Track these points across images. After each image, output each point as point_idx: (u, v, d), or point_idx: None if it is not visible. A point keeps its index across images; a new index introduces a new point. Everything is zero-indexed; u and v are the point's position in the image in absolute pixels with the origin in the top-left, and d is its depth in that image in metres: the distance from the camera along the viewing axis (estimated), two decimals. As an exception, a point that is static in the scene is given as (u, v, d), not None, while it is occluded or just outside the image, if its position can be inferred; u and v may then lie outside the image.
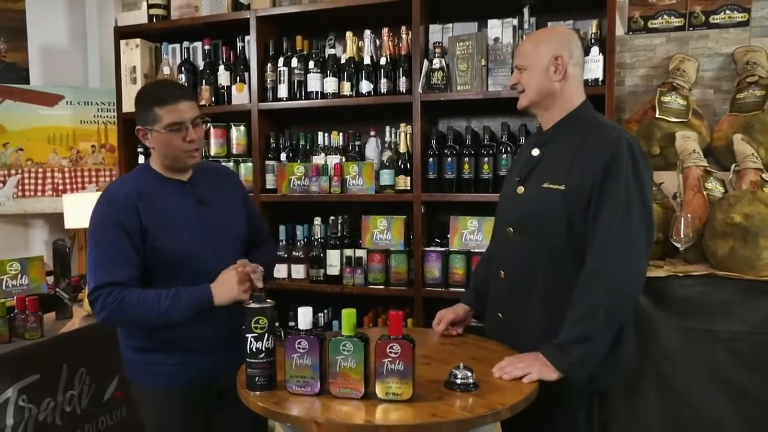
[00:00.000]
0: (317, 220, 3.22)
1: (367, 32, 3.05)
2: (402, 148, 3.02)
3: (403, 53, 3.02)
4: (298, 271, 3.18)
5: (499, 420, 1.50)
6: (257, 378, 1.55)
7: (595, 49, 2.67)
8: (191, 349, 1.91)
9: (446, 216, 3.08)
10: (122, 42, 3.42)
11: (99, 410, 2.50)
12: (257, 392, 1.55)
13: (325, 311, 3.28)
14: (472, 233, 2.96)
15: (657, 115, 2.72)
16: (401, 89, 2.99)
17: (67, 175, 3.93)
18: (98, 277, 1.80)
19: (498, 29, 2.87)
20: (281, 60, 3.19)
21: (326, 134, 3.26)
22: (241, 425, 2.02)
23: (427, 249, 2.98)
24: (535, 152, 1.88)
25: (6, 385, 2.07)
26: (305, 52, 3.21)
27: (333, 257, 3.12)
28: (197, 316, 1.83)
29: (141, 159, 3.46)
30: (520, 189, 1.87)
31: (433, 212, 3.15)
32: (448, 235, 3.03)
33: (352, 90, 3.06)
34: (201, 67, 3.40)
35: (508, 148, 2.84)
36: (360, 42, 3.11)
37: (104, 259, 1.82)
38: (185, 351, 1.90)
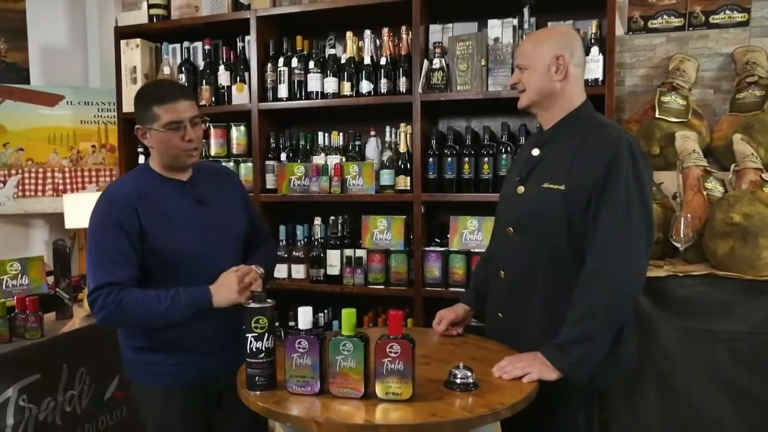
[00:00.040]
0: (317, 220, 3.22)
1: (367, 32, 3.05)
2: (402, 148, 3.02)
3: (403, 53, 3.02)
4: (299, 271, 3.19)
5: (498, 419, 1.50)
6: (257, 378, 1.55)
7: (594, 49, 2.67)
8: (191, 350, 1.91)
9: (446, 216, 3.08)
10: (122, 42, 3.42)
11: (99, 410, 2.50)
12: (257, 392, 1.55)
13: (326, 311, 3.28)
14: (472, 233, 2.96)
15: (657, 115, 2.72)
16: (401, 89, 2.99)
17: (67, 175, 3.93)
18: (98, 278, 1.80)
19: (498, 29, 2.87)
20: (281, 60, 3.19)
21: (326, 134, 3.27)
22: (241, 425, 2.02)
23: (427, 249, 2.98)
24: (536, 152, 1.88)
25: (6, 385, 2.07)
26: (305, 52, 3.21)
27: (333, 257, 3.12)
28: (197, 317, 1.83)
29: (141, 159, 3.46)
30: (520, 189, 1.87)
31: (433, 212, 3.15)
32: (448, 235, 3.03)
33: (352, 90, 3.07)
34: (201, 67, 3.40)
35: (508, 148, 2.84)
36: (360, 42, 3.11)
37: (104, 260, 1.82)
38: (185, 351, 1.91)
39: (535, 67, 1.81)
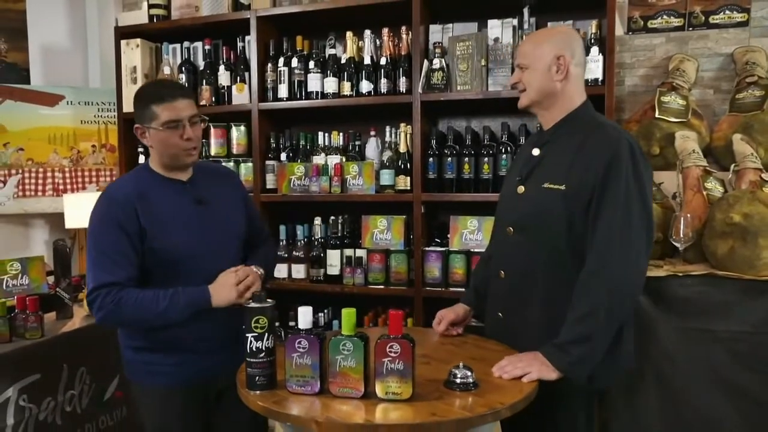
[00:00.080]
0: (317, 220, 3.22)
1: (368, 32, 3.05)
2: (402, 148, 3.02)
3: (403, 53, 3.02)
4: (299, 271, 3.19)
5: (498, 419, 1.50)
6: (257, 377, 1.55)
7: (594, 49, 2.67)
8: (190, 349, 1.91)
9: (446, 216, 3.08)
10: (123, 42, 3.43)
11: (99, 410, 2.50)
12: (257, 391, 1.55)
13: (326, 311, 3.28)
14: (472, 233, 2.96)
15: (657, 115, 2.72)
16: (401, 89, 2.99)
17: (67, 175, 3.93)
18: (97, 277, 1.81)
19: (498, 29, 2.87)
20: (281, 60, 3.19)
21: (326, 134, 3.27)
22: (240, 425, 2.02)
23: (427, 249, 2.98)
24: (536, 152, 1.88)
25: (6, 385, 2.08)
26: (305, 52, 3.21)
27: (333, 257, 3.12)
28: (196, 317, 1.84)
29: (141, 159, 3.46)
30: (521, 189, 1.87)
31: (433, 212, 3.15)
32: (448, 235, 3.03)
33: (352, 90, 3.07)
34: (201, 67, 3.40)
35: (508, 148, 2.85)
36: (360, 42, 3.11)
37: (103, 260, 1.82)
38: (184, 351, 1.91)
39: (536, 66, 1.81)
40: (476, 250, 2.90)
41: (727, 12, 2.86)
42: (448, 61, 2.93)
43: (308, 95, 3.15)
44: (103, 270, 1.81)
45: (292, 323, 3.01)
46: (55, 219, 3.85)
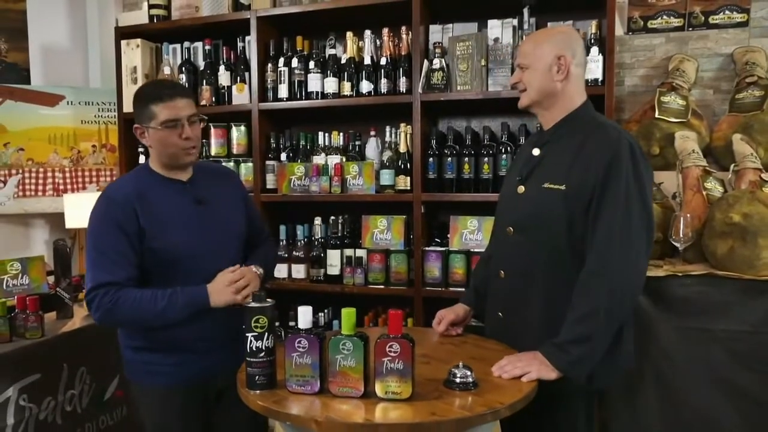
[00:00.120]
0: (317, 220, 3.22)
1: (368, 32, 3.06)
2: (402, 148, 3.02)
3: (403, 53, 3.03)
4: (299, 271, 3.19)
5: (498, 419, 1.51)
6: (257, 377, 1.56)
7: (594, 50, 2.67)
8: (190, 349, 1.91)
9: (446, 216, 3.08)
10: (123, 42, 3.43)
11: (99, 409, 2.51)
12: (257, 391, 1.55)
13: (326, 311, 3.29)
14: (472, 233, 2.96)
15: (656, 116, 2.72)
16: (401, 89, 2.99)
17: (67, 175, 3.94)
18: (95, 277, 1.81)
19: (498, 29, 2.87)
20: (282, 60, 3.19)
21: (326, 134, 3.27)
22: (240, 424, 2.02)
23: (427, 249, 2.98)
24: (536, 152, 1.88)
25: (7, 385, 2.08)
26: (306, 53, 3.21)
27: (333, 257, 3.12)
28: (196, 317, 1.84)
29: (142, 159, 3.47)
30: (521, 188, 1.87)
31: (433, 212, 3.15)
32: (448, 235, 3.03)
33: (352, 90, 3.07)
34: (201, 68, 3.40)
35: (508, 148, 2.85)
36: (360, 42, 3.11)
37: (102, 260, 1.82)
38: (184, 351, 1.91)
39: (537, 66, 1.81)
40: (476, 250, 2.90)
41: (727, 12, 2.86)
42: (448, 61, 2.93)
43: (308, 95, 3.15)
44: (101, 270, 1.81)
45: (292, 323, 3.02)
46: (56, 219, 3.85)
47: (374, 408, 1.44)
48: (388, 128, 3.11)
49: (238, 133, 3.37)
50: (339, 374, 1.49)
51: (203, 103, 3.31)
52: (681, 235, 2.34)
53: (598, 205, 1.69)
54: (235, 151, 3.39)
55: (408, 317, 3.01)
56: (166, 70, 3.35)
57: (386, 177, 3.04)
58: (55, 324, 2.43)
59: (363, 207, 3.19)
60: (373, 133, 3.19)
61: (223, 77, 3.32)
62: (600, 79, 2.67)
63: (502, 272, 1.91)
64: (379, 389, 1.47)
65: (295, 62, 3.17)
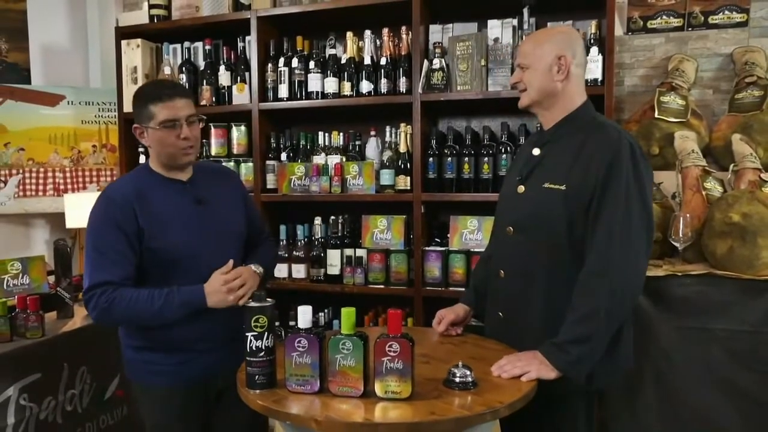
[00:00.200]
0: (318, 220, 3.23)
1: (368, 32, 3.06)
2: (402, 148, 3.02)
3: (403, 53, 3.03)
4: (299, 271, 3.19)
5: (497, 418, 1.51)
6: (257, 376, 1.56)
7: (594, 50, 2.67)
8: (190, 349, 1.91)
9: (446, 216, 3.09)
10: (123, 42, 3.43)
11: (100, 409, 2.51)
12: (257, 390, 1.55)
13: (326, 311, 3.29)
14: (472, 233, 2.97)
15: (656, 115, 2.73)
16: (401, 89, 2.99)
17: (68, 174, 3.94)
18: (93, 277, 1.82)
19: (498, 29, 2.87)
20: (282, 60, 3.19)
21: (326, 134, 3.27)
22: (240, 424, 2.02)
23: (427, 249, 2.98)
24: (536, 152, 1.88)
25: (7, 384, 2.08)
26: (306, 53, 3.22)
27: (333, 257, 3.13)
28: (195, 316, 1.84)
29: (142, 159, 3.47)
30: (521, 188, 1.87)
31: (433, 212, 3.16)
32: (448, 235, 3.03)
33: (352, 90, 3.07)
34: (202, 68, 3.41)
35: (508, 148, 2.85)
36: (360, 42, 3.12)
37: (100, 259, 1.83)
38: (184, 350, 1.91)
39: (537, 66, 1.81)
40: (476, 249, 2.90)
41: (727, 12, 2.86)
42: (448, 61, 2.93)
43: (308, 95, 3.15)
44: (99, 269, 1.82)
45: (292, 323, 3.02)
46: (56, 219, 3.85)
47: (374, 407, 1.44)
48: (388, 128, 3.11)
49: (238, 133, 3.37)
50: (339, 374, 1.49)
51: (203, 103, 3.31)
52: (680, 235, 2.34)
53: (599, 205, 1.69)
54: (235, 151, 3.39)
55: (408, 317, 3.02)
56: (167, 70, 3.36)
57: (386, 177, 3.04)
58: (56, 324, 2.44)
59: (363, 207, 3.19)
60: (373, 133, 3.19)
61: (224, 77, 3.33)
62: (600, 79, 2.67)
63: (502, 272, 1.91)
64: (378, 389, 1.47)
65: (295, 62, 3.18)
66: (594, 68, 2.66)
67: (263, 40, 3.22)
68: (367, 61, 3.05)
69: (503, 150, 2.85)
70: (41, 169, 3.88)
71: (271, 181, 3.26)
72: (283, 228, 3.25)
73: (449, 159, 2.93)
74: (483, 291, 2.05)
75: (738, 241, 2.24)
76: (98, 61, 4.10)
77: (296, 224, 3.26)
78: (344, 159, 3.16)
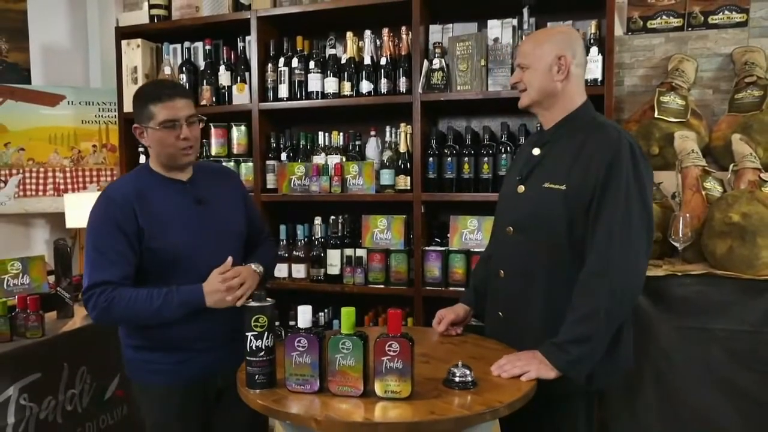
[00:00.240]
0: (318, 220, 3.23)
1: (368, 32, 3.06)
2: (402, 148, 3.03)
3: (403, 53, 3.03)
4: (299, 271, 3.19)
5: (496, 417, 1.51)
6: (257, 376, 1.56)
7: (594, 50, 2.67)
8: (190, 348, 1.92)
9: (446, 216, 3.09)
10: (123, 42, 3.43)
11: (100, 409, 2.51)
12: (257, 390, 1.55)
13: (326, 310, 3.29)
14: (472, 233, 2.97)
15: (656, 115, 2.73)
16: (401, 89, 3.00)
17: (68, 174, 3.94)
18: (92, 276, 1.82)
19: (498, 29, 2.88)
20: (282, 60, 3.20)
21: (326, 134, 3.27)
22: (240, 424, 2.03)
23: (427, 248, 2.98)
24: (536, 152, 1.88)
25: (7, 384, 2.08)
26: (306, 53, 3.22)
27: (333, 257, 3.13)
28: (195, 316, 1.84)
29: (142, 159, 3.47)
30: (521, 188, 1.87)
31: (433, 212, 3.16)
32: (448, 235, 3.04)
33: (352, 90, 3.07)
34: (202, 68, 3.41)
35: (508, 148, 2.85)
36: (360, 42, 3.12)
37: (100, 259, 1.83)
38: (184, 350, 1.91)
39: (537, 66, 1.81)
40: (476, 249, 2.90)
41: (726, 12, 2.86)
42: (448, 61, 2.93)
43: (308, 95, 3.15)
44: (98, 269, 1.82)
45: (292, 322, 3.02)
46: (56, 219, 3.86)
47: (373, 407, 1.44)
48: (388, 128, 3.11)
49: (238, 133, 3.38)
50: (338, 373, 1.49)
51: (203, 103, 3.31)
52: (680, 235, 2.34)
53: (599, 205, 1.69)
54: (235, 151, 3.39)
55: (408, 317, 3.02)
56: (167, 70, 3.36)
57: (386, 177, 3.04)
58: (56, 323, 2.44)
59: (363, 207, 3.19)
60: (373, 133, 3.19)
61: (224, 77, 3.33)
62: (599, 79, 2.67)
63: (502, 272, 1.91)
64: (378, 388, 1.48)
65: (295, 62, 3.18)
66: (594, 68, 2.66)
67: (263, 40, 3.23)
68: (367, 61, 3.05)
69: (503, 150, 2.86)
70: (41, 169, 3.89)
71: (271, 181, 3.27)
72: (283, 228, 3.25)
73: (449, 159, 2.93)
74: (483, 291, 2.05)
75: (738, 241, 2.24)
76: (98, 61, 4.11)
77: (296, 224, 3.26)
78: (344, 159, 3.16)
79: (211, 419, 2.03)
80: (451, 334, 2.02)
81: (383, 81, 3.02)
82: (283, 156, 3.28)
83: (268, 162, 3.28)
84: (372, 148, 3.18)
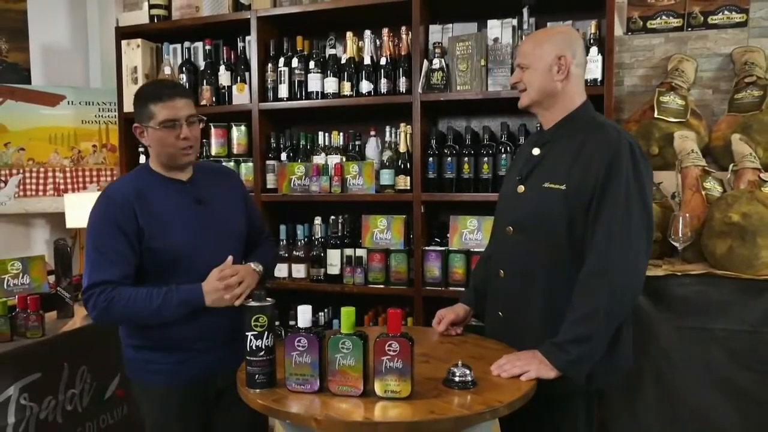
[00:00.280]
0: (318, 220, 3.23)
1: (368, 32, 3.06)
2: (402, 148, 3.03)
3: (403, 53, 3.03)
4: (299, 271, 3.19)
5: (496, 417, 1.51)
6: (257, 376, 1.56)
7: (594, 50, 2.67)
8: (190, 348, 1.92)
9: (446, 215, 3.09)
10: (123, 42, 3.44)
11: (100, 408, 2.51)
12: (257, 390, 1.56)
13: (326, 310, 3.29)
14: (472, 233, 2.97)
15: (656, 115, 2.73)
16: (401, 89, 3.00)
17: (68, 174, 3.94)
18: (92, 276, 1.82)
19: (497, 29, 2.88)
20: (282, 60, 3.20)
21: (326, 134, 3.27)
22: (240, 424, 2.03)
23: (426, 248, 2.98)
24: (536, 151, 1.88)
25: (7, 384, 2.08)
26: (306, 53, 3.22)
27: (333, 257, 3.13)
28: (195, 315, 1.84)
29: (142, 159, 3.47)
30: (521, 188, 1.87)
31: (433, 212, 3.16)
32: (448, 235, 3.04)
33: (352, 90, 3.07)
34: (202, 68, 3.41)
35: (508, 148, 2.85)
36: (360, 42, 3.12)
37: (100, 259, 1.83)
38: (184, 350, 1.91)
39: (537, 66, 1.81)
40: (476, 249, 2.91)
41: (726, 12, 2.86)
42: (448, 61, 2.93)
43: (308, 95, 3.15)
44: (98, 269, 1.82)
45: (292, 322, 3.02)
46: (56, 219, 3.86)
47: (373, 406, 1.44)
48: (388, 128, 3.11)
49: (238, 133, 3.38)
50: (338, 373, 1.50)
51: (203, 103, 3.32)
52: (680, 235, 2.34)
53: (598, 205, 1.69)
54: (235, 151, 3.39)
55: (408, 317, 3.02)
56: (167, 70, 3.36)
57: (386, 177, 3.04)
58: (56, 323, 2.44)
59: (363, 207, 3.19)
60: (373, 133, 3.19)
61: (224, 77, 3.33)
62: (599, 79, 2.68)
63: (502, 272, 1.92)
64: (378, 388, 1.48)
65: (295, 62, 3.18)
66: (594, 68, 2.66)
67: (263, 40, 3.23)
68: (367, 61, 3.05)
69: (503, 150, 2.86)
70: (41, 169, 3.89)
71: (271, 181, 3.27)
72: (283, 228, 3.25)
73: (449, 159, 2.94)
74: (483, 291, 2.05)
75: (737, 241, 2.25)
76: (98, 61, 4.11)
77: (296, 224, 3.26)
78: (344, 159, 3.16)
79: (211, 419, 2.03)
80: (451, 334, 2.02)
81: (383, 81, 3.02)
82: (283, 156, 3.28)
83: (268, 162, 3.28)
84: (372, 148, 3.18)
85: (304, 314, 1.54)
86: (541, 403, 1.61)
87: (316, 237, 3.22)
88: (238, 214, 2.08)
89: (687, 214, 2.35)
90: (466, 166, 2.92)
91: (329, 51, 3.14)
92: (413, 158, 2.96)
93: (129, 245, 1.84)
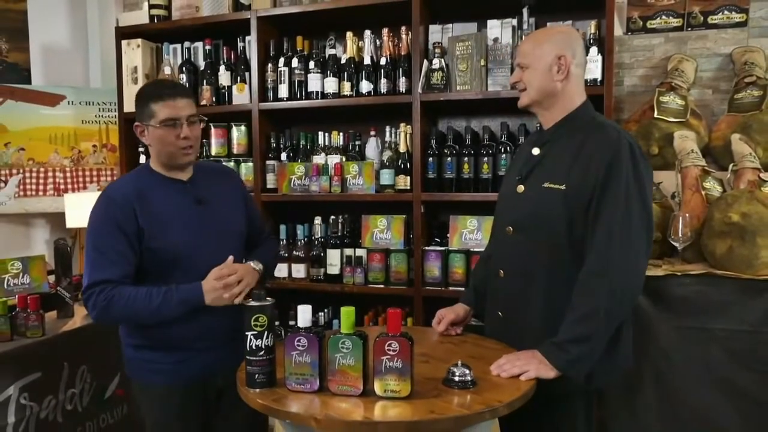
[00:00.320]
0: (317, 220, 3.23)
1: (367, 32, 3.06)
2: (402, 148, 3.03)
3: (403, 53, 3.03)
4: (299, 271, 3.19)
5: (496, 417, 1.51)
6: (257, 375, 1.56)
7: (593, 50, 2.67)
8: (189, 348, 1.92)
9: (446, 215, 3.09)
10: (123, 42, 3.44)
11: (100, 408, 2.51)
12: (257, 389, 1.56)
13: (326, 310, 3.29)
14: (472, 232, 2.97)
15: (655, 115, 2.73)
16: (401, 89, 3.00)
17: (68, 174, 3.94)
18: (92, 275, 1.82)
19: (497, 29, 2.88)
20: (282, 60, 3.20)
21: (326, 134, 3.27)
22: (240, 423, 2.03)
23: (426, 248, 2.99)
24: (536, 151, 1.88)
25: (7, 383, 2.08)
26: (306, 53, 3.22)
27: (333, 256, 3.13)
28: (194, 315, 1.85)
29: (142, 159, 3.47)
30: (520, 188, 1.87)
31: (433, 212, 3.16)
32: (448, 235, 3.04)
33: (352, 90, 3.08)
34: (202, 68, 3.41)
35: (508, 148, 2.85)
36: (360, 42, 3.12)
37: (100, 259, 1.83)
38: (184, 349, 1.92)
39: (537, 66, 1.81)
40: (476, 249, 2.91)
41: (726, 12, 2.86)
42: (448, 61, 2.93)
43: (308, 95, 3.15)
44: (98, 268, 1.82)
45: (292, 322, 3.02)
46: (56, 218, 3.86)
47: (373, 406, 1.44)
48: (388, 128, 3.11)
49: (238, 133, 3.38)
50: (338, 373, 1.50)
51: (203, 103, 3.32)
52: (680, 235, 2.34)
53: (598, 204, 1.69)
54: (235, 151, 3.39)
55: (408, 316, 3.02)
56: (167, 70, 3.36)
57: (386, 177, 3.05)
58: (56, 323, 2.44)
59: (363, 207, 3.20)
60: (373, 133, 3.19)
61: (224, 77, 3.33)
62: (599, 79, 2.68)
63: (502, 272, 1.92)
64: (378, 387, 1.48)
65: (295, 62, 3.18)
66: (593, 68, 2.66)
67: (263, 40, 3.23)
68: (367, 61, 3.05)
69: (503, 150, 2.86)
70: (41, 169, 3.89)
71: (271, 180, 3.27)
72: (283, 228, 3.25)
73: (449, 159, 2.94)
74: (483, 291, 2.05)
75: (737, 241, 2.25)
76: (98, 61, 4.11)
77: (296, 224, 3.26)
78: (344, 159, 3.16)
79: (211, 419, 2.03)
80: (451, 334, 2.02)
81: (383, 81, 3.02)
82: (283, 156, 3.29)
83: (268, 162, 3.28)
84: (372, 148, 3.18)
85: (303, 314, 1.54)
86: (540, 402, 1.61)
87: (316, 237, 3.22)
88: (239, 214, 2.08)
89: (687, 214, 2.35)
90: (466, 166, 2.92)
91: (329, 51, 3.14)
92: (413, 158, 2.96)
93: (129, 245, 1.84)
